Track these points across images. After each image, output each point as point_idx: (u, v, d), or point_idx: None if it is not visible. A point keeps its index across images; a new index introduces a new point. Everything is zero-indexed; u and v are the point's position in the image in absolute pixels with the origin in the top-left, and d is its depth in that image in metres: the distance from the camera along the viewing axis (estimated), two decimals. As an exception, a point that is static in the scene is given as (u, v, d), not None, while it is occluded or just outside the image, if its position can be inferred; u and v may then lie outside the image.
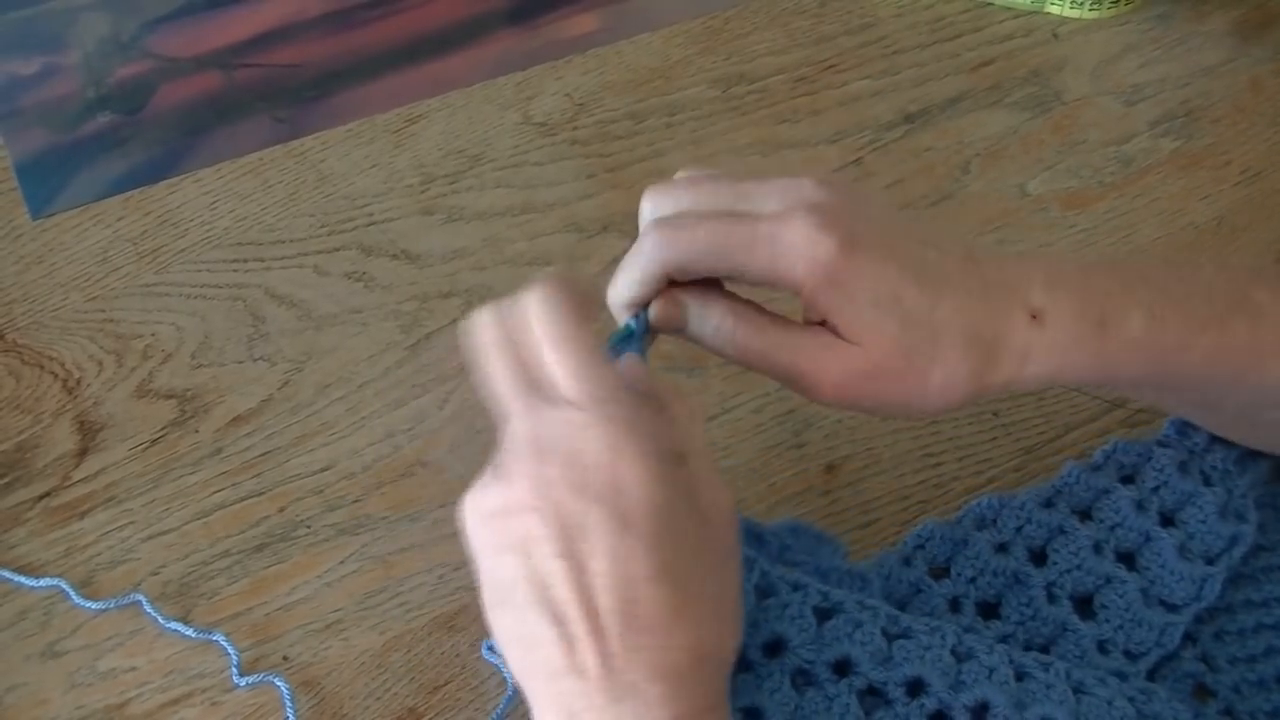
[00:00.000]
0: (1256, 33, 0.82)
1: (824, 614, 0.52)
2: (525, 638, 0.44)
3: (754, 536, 0.55)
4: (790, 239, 0.46)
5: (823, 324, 0.48)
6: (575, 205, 0.74)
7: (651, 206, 0.50)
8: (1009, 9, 0.82)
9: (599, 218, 0.73)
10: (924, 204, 0.74)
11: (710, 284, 0.50)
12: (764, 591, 0.52)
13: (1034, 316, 0.48)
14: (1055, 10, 0.82)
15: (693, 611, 0.43)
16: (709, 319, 0.49)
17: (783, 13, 0.82)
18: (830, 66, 0.80)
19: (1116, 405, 0.67)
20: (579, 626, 0.42)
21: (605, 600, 0.42)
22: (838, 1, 0.83)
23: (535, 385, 0.44)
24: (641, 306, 0.50)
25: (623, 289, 0.50)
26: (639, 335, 0.50)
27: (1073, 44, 0.81)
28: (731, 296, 0.50)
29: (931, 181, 0.75)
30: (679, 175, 0.52)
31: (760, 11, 0.82)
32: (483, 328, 0.46)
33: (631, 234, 0.50)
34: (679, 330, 0.50)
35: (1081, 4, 0.81)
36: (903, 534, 0.63)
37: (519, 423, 0.44)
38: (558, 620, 0.43)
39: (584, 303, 0.45)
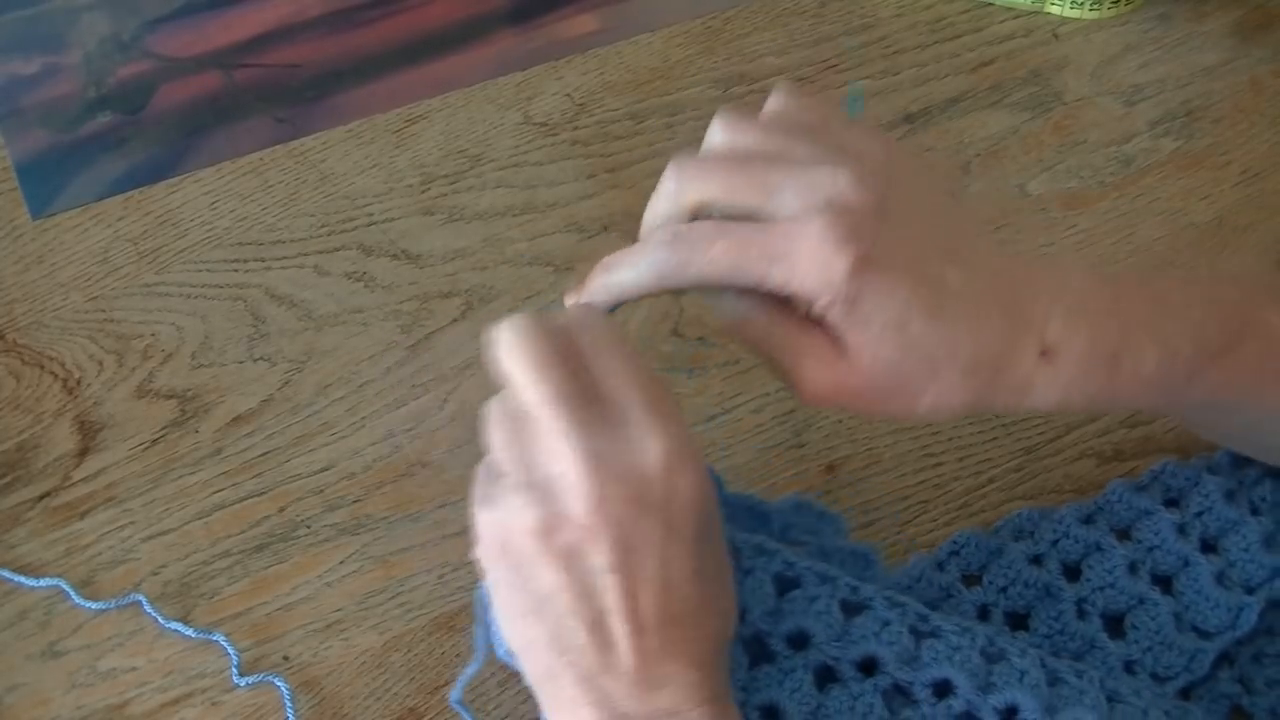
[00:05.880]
0: (1256, 33, 0.82)
1: (852, 609, 0.51)
2: (557, 643, 0.45)
3: (759, 515, 0.55)
4: (804, 253, 0.44)
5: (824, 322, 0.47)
6: (575, 205, 0.74)
7: (675, 187, 0.47)
8: (1009, 9, 0.82)
9: (599, 218, 0.73)
10: (924, 204, 0.74)
11: None
12: (788, 582, 0.51)
13: (1044, 353, 0.47)
14: (1055, 10, 0.82)
15: (715, 602, 0.46)
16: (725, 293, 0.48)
17: (783, 13, 0.82)
18: (830, 66, 0.80)
19: (1117, 405, 0.67)
20: (620, 629, 0.44)
21: (648, 602, 0.44)
22: (838, 1, 0.83)
23: (586, 400, 0.43)
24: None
25: (621, 287, 0.48)
26: None
27: (1073, 44, 0.81)
28: None
29: (932, 181, 0.75)
30: (771, 101, 0.48)
31: (760, 11, 0.82)
32: (525, 339, 0.44)
33: (632, 234, 0.49)
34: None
35: (1081, 4, 0.81)
36: (903, 534, 0.63)
37: (572, 440, 0.43)
38: (596, 626, 0.44)
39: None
